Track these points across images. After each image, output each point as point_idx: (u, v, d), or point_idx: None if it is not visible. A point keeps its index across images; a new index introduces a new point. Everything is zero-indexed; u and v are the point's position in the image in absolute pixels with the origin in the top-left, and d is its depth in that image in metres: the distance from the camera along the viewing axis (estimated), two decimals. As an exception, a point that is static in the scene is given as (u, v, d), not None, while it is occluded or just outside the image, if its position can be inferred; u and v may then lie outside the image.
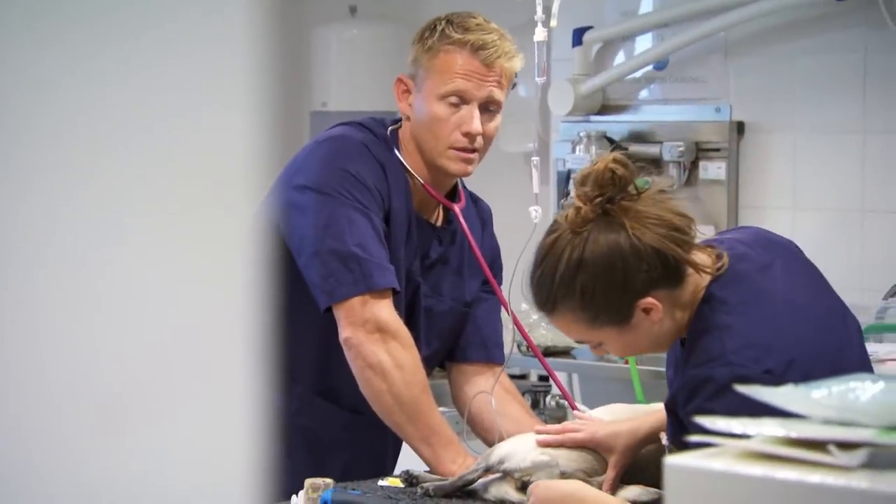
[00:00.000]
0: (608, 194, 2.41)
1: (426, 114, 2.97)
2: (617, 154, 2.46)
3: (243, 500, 1.05)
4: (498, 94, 2.97)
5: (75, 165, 1.01)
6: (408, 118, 3.02)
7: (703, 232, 2.54)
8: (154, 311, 1.04)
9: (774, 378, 2.30)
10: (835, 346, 2.44)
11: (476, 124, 2.94)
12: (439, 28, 2.97)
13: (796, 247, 2.58)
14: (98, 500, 1.02)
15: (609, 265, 2.39)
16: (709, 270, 2.44)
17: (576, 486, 2.62)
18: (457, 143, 2.95)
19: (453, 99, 2.95)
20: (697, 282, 2.44)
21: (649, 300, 2.40)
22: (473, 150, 2.97)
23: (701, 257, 2.45)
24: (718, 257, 2.46)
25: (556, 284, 2.43)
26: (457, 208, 3.08)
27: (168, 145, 1.04)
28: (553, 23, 3.01)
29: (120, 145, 1.02)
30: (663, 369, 4.22)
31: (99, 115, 1.02)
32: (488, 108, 2.97)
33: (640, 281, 2.40)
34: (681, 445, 2.39)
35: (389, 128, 3.05)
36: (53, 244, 1.01)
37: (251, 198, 1.07)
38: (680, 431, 2.39)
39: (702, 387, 2.35)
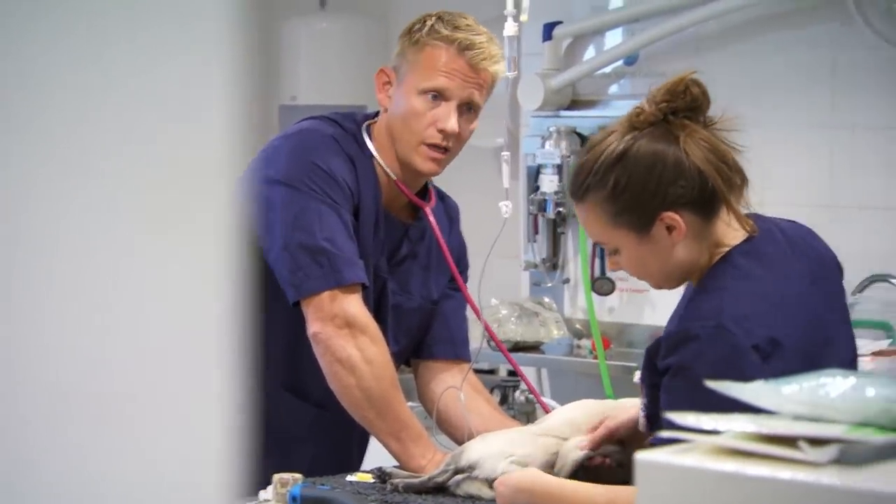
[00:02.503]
0: (675, 104, 2.41)
1: (404, 106, 2.96)
2: (697, 76, 2.45)
3: (219, 493, 1.05)
4: (478, 97, 2.97)
5: (47, 164, 1.01)
6: (385, 110, 3.01)
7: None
8: (129, 306, 1.03)
9: (758, 356, 2.32)
10: (826, 361, 2.44)
11: (452, 123, 2.93)
12: (429, 23, 2.96)
13: (835, 265, 2.55)
14: (70, 494, 1.01)
15: (649, 167, 2.38)
16: (742, 226, 2.43)
17: (533, 476, 2.61)
18: (430, 139, 2.94)
19: (434, 95, 2.94)
20: (725, 234, 2.44)
21: (674, 216, 2.39)
22: (445, 150, 2.96)
23: (738, 211, 2.44)
24: (752, 226, 2.46)
25: (592, 172, 2.42)
26: (427, 208, 3.07)
27: (144, 140, 1.04)
28: (523, 17, 3.01)
29: (94, 141, 1.02)
30: (633, 364, 4.27)
31: (72, 111, 1.01)
32: (467, 109, 2.96)
33: (672, 193, 2.38)
34: (651, 390, 2.41)
35: (364, 122, 3.04)
36: (26, 243, 1.01)
37: (227, 192, 1.07)
38: (652, 377, 2.40)
39: (687, 342, 2.34)
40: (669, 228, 2.40)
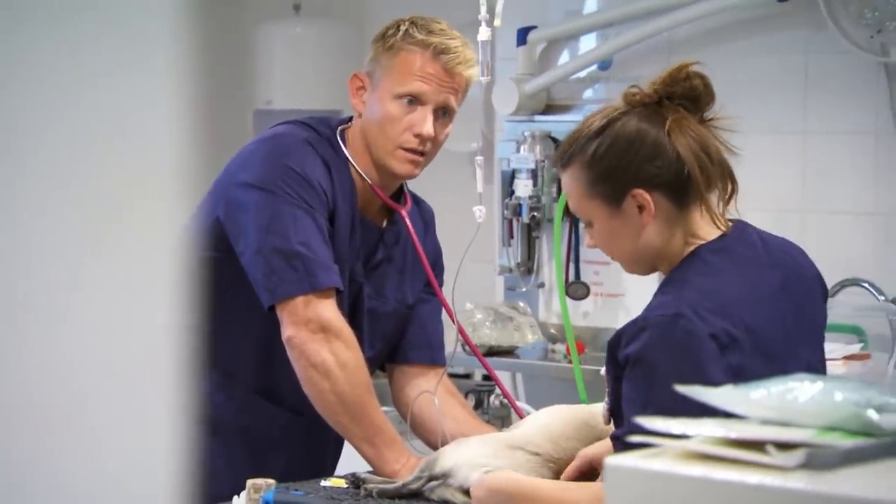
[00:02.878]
0: (672, 89, 2.44)
1: (379, 112, 2.95)
2: (701, 68, 2.47)
3: (171, 497, 1.04)
4: (453, 102, 2.97)
5: (3, 171, 1.00)
6: (359, 115, 3.01)
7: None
8: (79, 312, 1.03)
9: (716, 345, 2.33)
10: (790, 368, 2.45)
11: (428, 127, 2.93)
12: (402, 28, 2.96)
13: (817, 282, 2.57)
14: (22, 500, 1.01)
15: (629, 141, 2.42)
16: (714, 221, 2.45)
17: (507, 477, 2.62)
18: (406, 144, 2.94)
19: (409, 100, 2.93)
20: (699, 227, 2.46)
21: (645, 195, 2.41)
22: (422, 153, 2.96)
23: (710, 204, 2.46)
24: (728, 226, 2.47)
25: (576, 141, 2.47)
26: (403, 212, 3.07)
27: (94, 146, 1.03)
28: (497, 22, 3.01)
29: (45, 146, 1.01)
30: (606, 368, 4.27)
31: (24, 115, 1.01)
32: (442, 114, 2.96)
33: (646, 171, 2.41)
34: (615, 383, 2.42)
35: (338, 127, 3.03)
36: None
37: (178, 199, 1.07)
38: (616, 370, 2.41)
39: (646, 330, 2.35)
40: (640, 208, 2.42)
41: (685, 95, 2.44)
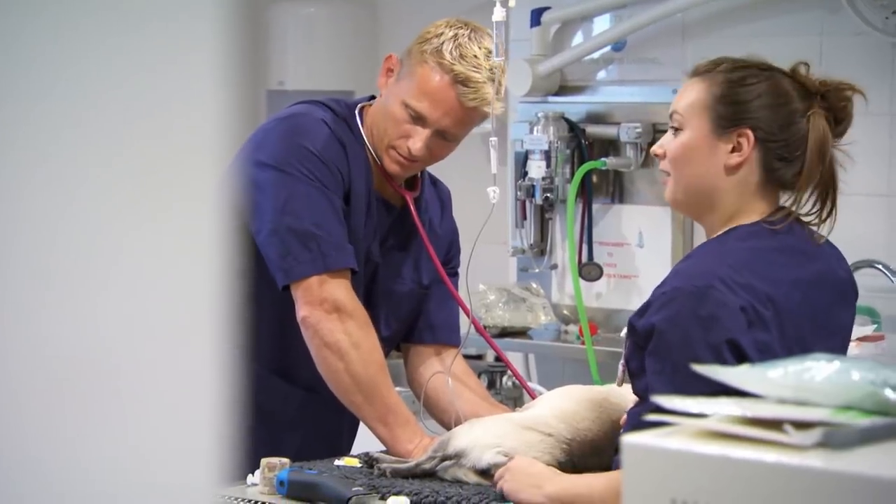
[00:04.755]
0: (830, 94, 2.47)
1: (389, 108, 2.95)
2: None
3: (208, 477, 1.05)
4: (456, 130, 2.94)
5: (35, 156, 1.00)
6: (381, 96, 3.00)
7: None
8: (118, 294, 1.03)
9: (744, 318, 2.33)
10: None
11: (419, 147, 2.91)
12: (442, 39, 2.91)
13: (850, 288, 2.58)
14: (60, 482, 1.01)
15: (774, 93, 2.44)
16: (771, 211, 2.46)
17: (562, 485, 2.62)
18: (397, 148, 2.94)
19: (413, 114, 2.92)
20: (746, 217, 2.46)
21: (750, 139, 2.41)
22: (411, 161, 2.96)
23: (776, 205, 2.47)
24: (788, 222, 2.47)
25: (733, 64, 2.48)
26: (410, 198, 3.06)
27: (132, 129, 1.03)
28: (511, 3, 2.99)
29: (81, 123, 1.01)
30: (620, 350, 4.24)
31: (61, 95, 1.01)
32: (445, 136, 2.95)
33: (768, 125, 2.43)
34: (638, 363, 2.41)
35: (358, 106, 3.03)
36: (12, 234, 1.01)
37: (214, 179, 1.07)
38: (635, 335, 2.41)
39: (676, 300, 2.35)
40: (735, 148, 2.42)
41: (834, 108, 2.47)
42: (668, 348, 2.33)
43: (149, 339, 1.04)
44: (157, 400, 1.05)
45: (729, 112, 2.43)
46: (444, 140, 2.94)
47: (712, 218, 2.48)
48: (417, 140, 2.91)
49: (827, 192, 2.49)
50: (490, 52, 2.92)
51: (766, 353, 2.28)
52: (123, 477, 1.04)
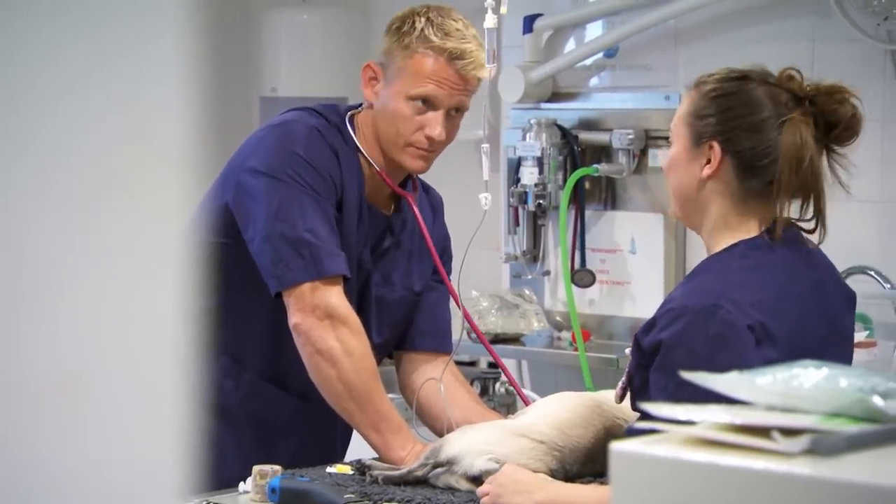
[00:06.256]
0: (820, 98, 2.44)
1: (392, 109, 2.95)
2: (858, 103, 2.48)
3: (177, 482, 1.04)
4: (466, 102, 2.98)
5: (10, 157, 1.00)
6: (370, 106, 3.00)
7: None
8: (83, 297, 1.03)
9: (753, 337, 2.33)
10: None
11: (439, 131, 2.93)
12: (419, 26, 2.94)
13: (849, 297, 2.57)
14: (34, 486, 1.01)
15: (742, 103, 2.45)
16: (775, 226, 2.44)
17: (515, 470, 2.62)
18: (417, 143, 2.95)
19: (421, 101, 2.93)
20: (742, 229, 2.46)
21: (717, 152, 2.43)
22: (432, 150, 2.97)
23: (771, 214, 2.45)
24: (785, 232, 2.46)
25: (718, 75, 2.49)
26: (410, 198, 3.07)
27: (100, 129, 1.03)
28: (503, 9, 2.99)
29: (50, 131, 1.01)
30: (613, 356, 4.26)
31: (30, 100, 1.00)
32: (453, 113, 2.97)
33: (735, 136, 2.43)
34: (637, 367, 2.42)
35: (348, 112, 3.03)
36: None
37: (185, 187, 1.06)
38: (640, 354, 2.41)
39: (683, 317, 2.36)
40: (708, 162, 2.44)
41: (825, 112, 2.45)
42: (673, 365, 2.31)
43: (114, 353, 1.04)
44: (122, 412, 1.04)
45: (699, 125, 2.46)
46: (452, 117, 2.97)
47: (705, 229, 2.50)
48: (435, 125, 2.93)
49: (808, 194, 2.47)
50: (464, 21, 2.99)
51: None
52: (88, 489, 1.03)
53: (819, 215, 2.48)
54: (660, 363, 2.36)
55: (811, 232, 2.51)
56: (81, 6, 1.02)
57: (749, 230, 2.46)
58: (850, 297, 2.58)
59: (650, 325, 2.41)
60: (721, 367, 2.20)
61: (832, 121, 2.45)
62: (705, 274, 2.46)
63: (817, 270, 2.50)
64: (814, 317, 2.45)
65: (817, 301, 2.47)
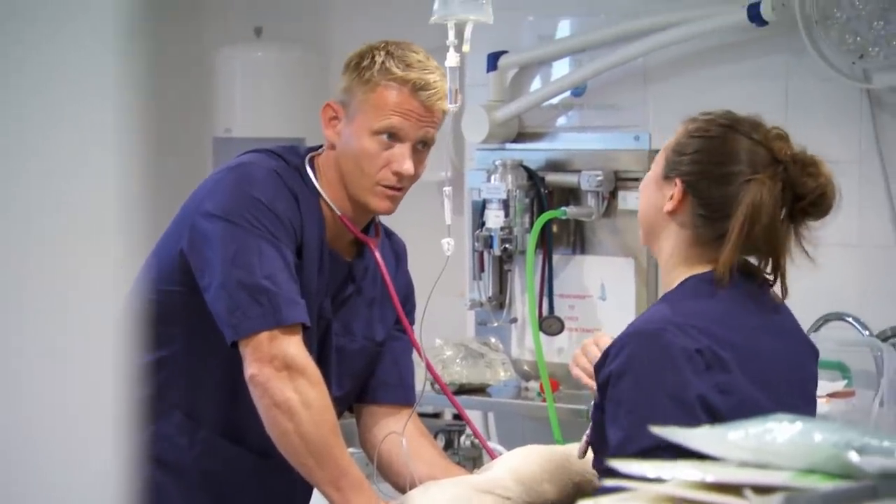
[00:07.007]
0: (792, 166, 2.47)
1: (356, 147, 2.92)
2: (836, 184, 2.52)
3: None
4: (432, 135, 2.96)
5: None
6: (332, 147, 2.97)
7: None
8: (20, 360, 1.02)
9: (702, 361, 2.37)
10: (781, 397, 2.47)
11: (408, 165, 2.90)
12: (378, 60, 2.93)
13: (810, 346, 2.61)
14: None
15: (718, 151, 2.50)
16: (727, 271, 2.47)
17: None
18: (384, 181, 2.92)
19: (387, 136, 2.90)
20: (696, 266, 2.51)
21: (680, 192, 2.50)
22: (399, 189, 2.93)
23: (727, 261, 2.48)
24: (742, 272, 2.51)
25: (709, 116, 2.56)
26: (373, 244, 3.03)
27: (33, 181, 1.01)
28: (466, 47, 2.95)
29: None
30: (583, 407, 4.22)
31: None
32: (420, 147, 2.94)
33: (700, 180, 2.49)
34: (598, 413, 2.46)
35: (308, 154, 3.00)
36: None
37: (123, 247, 1.04)
38: (600, 397, 2.44)
39: (628, 346, 2.40)
40: (672, 196, 2.51)
41: (793, 181, 2.47)
42: (621, 394, 2.36)
43: (48, 416, 1.03)
44: (56, 473, 1.03)
45: (673, 160, 2.54)
46: (419, 152, 2.94)
47: (662, 258, 2.57)
48: (402, 159, 2.90)
49: (767, 254, 2.52)
50: (425, 53, 2.99)
51: (732, 394, 2.35)
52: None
53: (777, 274, 2.52)
54: (610, 394, 2.39)
55: (772, 284, 2.54)
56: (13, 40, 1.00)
57: (703, 268, 2.51)
58: (814, 349, 2.62)
59: (602, 359, 2.44)
60: (667, 390, 2.34)
61: (799, 192, 2.49)
62: (656, 306, 2.52)
63: (780, 315, 2.55)
64: (772, 352, 2.48)
65: (777, 339, 2.51)
